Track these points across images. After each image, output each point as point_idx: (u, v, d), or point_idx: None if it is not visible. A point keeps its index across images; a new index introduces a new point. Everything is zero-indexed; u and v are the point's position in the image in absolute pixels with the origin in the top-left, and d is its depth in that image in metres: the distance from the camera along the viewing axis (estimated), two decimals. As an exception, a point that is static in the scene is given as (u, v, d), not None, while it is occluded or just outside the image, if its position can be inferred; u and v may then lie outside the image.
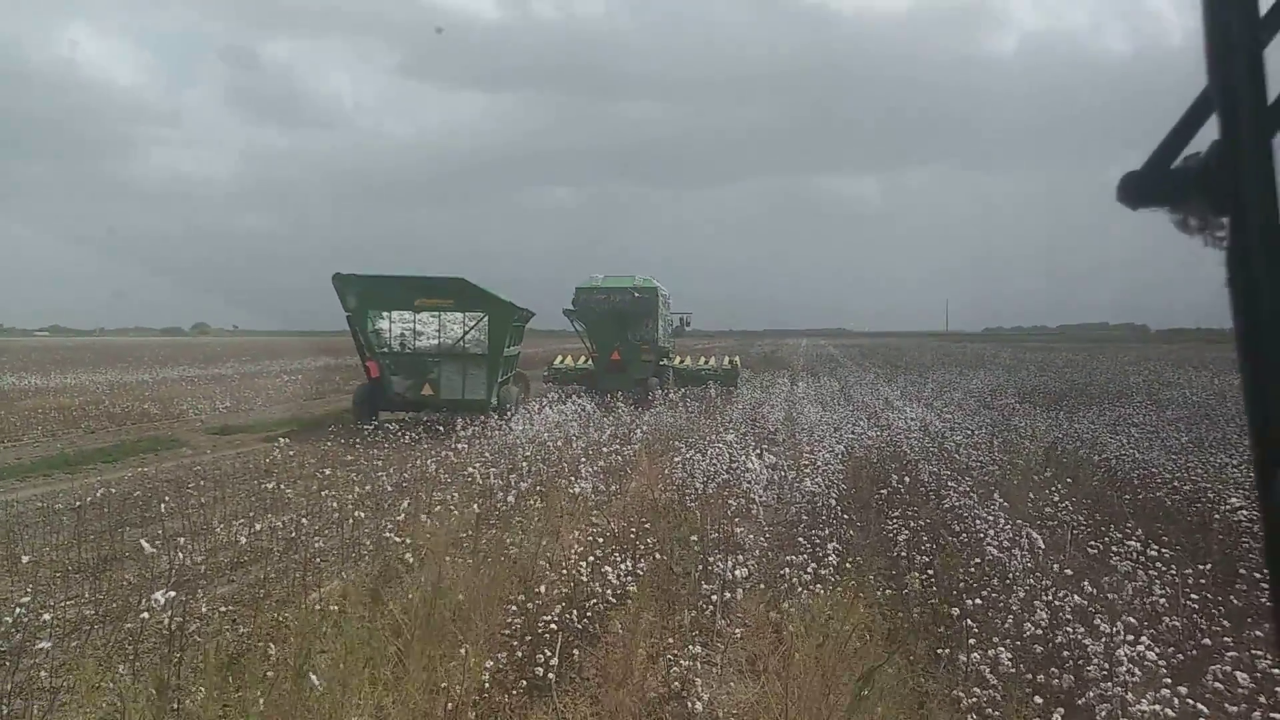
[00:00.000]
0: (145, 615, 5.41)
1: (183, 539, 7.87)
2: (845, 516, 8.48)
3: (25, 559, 6.60)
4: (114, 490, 10.33)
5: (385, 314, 18.01)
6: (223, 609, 6.22)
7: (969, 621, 5.38)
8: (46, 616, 5.85)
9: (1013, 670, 4.89)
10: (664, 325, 24.34)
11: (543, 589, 5.93)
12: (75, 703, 4.33)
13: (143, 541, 6.48)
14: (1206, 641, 5.33)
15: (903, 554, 7.41)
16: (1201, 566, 6.45)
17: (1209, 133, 0.88)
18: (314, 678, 4.17)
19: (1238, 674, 4.50)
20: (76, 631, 6.05)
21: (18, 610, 5.61)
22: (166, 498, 10.02)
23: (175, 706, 4.47)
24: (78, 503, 9.60)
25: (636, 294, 22.69)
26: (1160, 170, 0.91)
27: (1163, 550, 6.64)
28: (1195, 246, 0.86)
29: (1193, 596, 5.96)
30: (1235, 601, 6.13)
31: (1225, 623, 5.60)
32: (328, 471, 11.21)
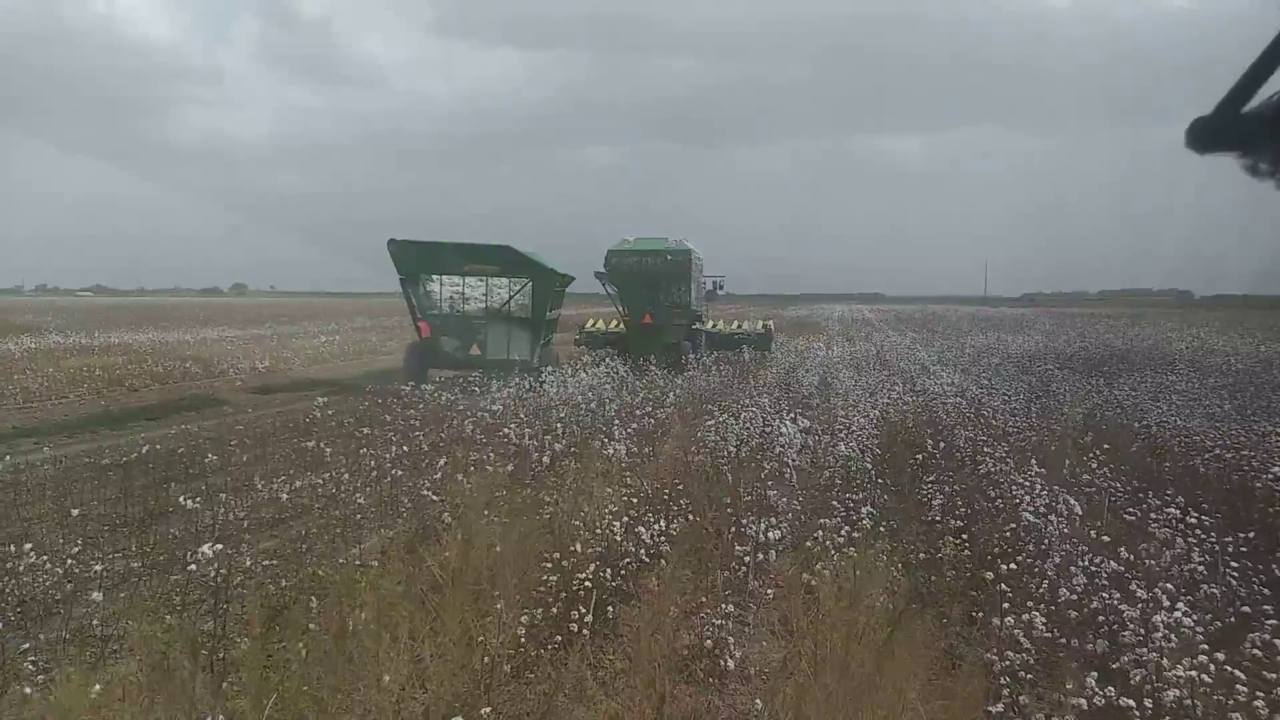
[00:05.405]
0: (191, 568, 5.55)
1: (225, 495, 8.05)
2: (879, 481, 8.45)
3: (74, 512, 6.79)
4: (158, 447, 10.55)
5: (436, 278, 19.19)
6: (265, 563, 6.36)
7: (1003, 586, 5.37)
8: (97, 568, 6.04)
9: (1046, 634, 4.89)
10: (697, 288, 24.19)
11: (577, 548, 5.99)
12: (125, 650, 4.48)
13: (185, 499, 6.65)
14: (1246, 609, 5.27)
15: (937, 519, 7.39)
16: (1242, 535, 6.36)
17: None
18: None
19: (1278, 642, 4.46)
20: (125, 583, 6.22)
21: (69, 561, 5.80)
22: (209, 455, 10.23)
23: (221, 656, 4.60)
24: (123, 459, 9.84)
25: (669, 256, 22.53)
26: (1231, 114, 0.88)
27: (1202, 518, 6.54)
28: (1249, 210, 0.85)
29: (1232, 565, 5.88)
30: (1276, 571, 6.04)
31: (1265, 591, 5.53)
32: (366, 431, 11.36)
